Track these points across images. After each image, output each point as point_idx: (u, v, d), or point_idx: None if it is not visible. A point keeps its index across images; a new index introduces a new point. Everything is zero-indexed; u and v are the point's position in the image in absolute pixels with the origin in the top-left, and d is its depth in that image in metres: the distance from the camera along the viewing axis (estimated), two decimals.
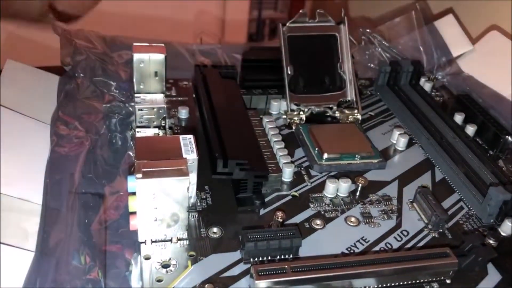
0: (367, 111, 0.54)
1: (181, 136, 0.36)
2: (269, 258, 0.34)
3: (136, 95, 0.44)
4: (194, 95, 0.51)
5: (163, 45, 0.44)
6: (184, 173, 0.32)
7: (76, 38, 0.53)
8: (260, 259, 0.34)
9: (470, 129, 0.50)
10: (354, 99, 0.51)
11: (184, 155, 0.34)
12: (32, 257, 0.32)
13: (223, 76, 0.50)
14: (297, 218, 0.38)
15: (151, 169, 0.32)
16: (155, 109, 0.43)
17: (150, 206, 0.32)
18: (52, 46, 0.55)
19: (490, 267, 0.35)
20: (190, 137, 0.36)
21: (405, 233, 0.38)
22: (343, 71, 0.51)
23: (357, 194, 0.41)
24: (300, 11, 0.49)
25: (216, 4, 1.05)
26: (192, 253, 0.34)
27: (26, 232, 0.34)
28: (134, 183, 0.31)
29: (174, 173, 0.32)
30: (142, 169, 0.32)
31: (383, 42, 0.63)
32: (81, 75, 0.48)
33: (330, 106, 0.50)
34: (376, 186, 0.42)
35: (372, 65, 0.61)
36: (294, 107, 0.50)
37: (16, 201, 0.36)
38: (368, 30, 0.64)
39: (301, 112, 0.49)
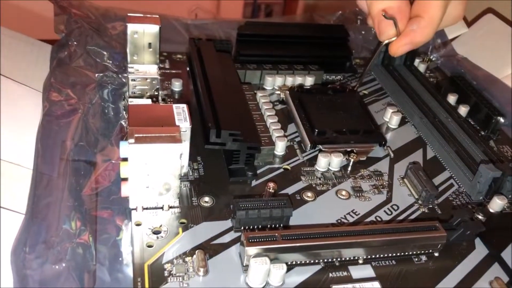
0: (361, 90, 0.54)
1: (174, 105, 0.36)
2: (260, 227, 0.34)
3: (129, 65, 0.44)
4: (188, 68, 0.51)
5: (157, 16, 0.44)
6: (177, 140, 0.32)
7: (70, 7, 0.52)
8: (251, 228, 0.34)
9: (463, 110, 0.50)
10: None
11: (177, 123, 0.34)
12: (22, 219, 0.31)
13: (217, 50, 0.50)
14: (289, 190, 0.38)
15: (143, 135, 0.32)
16: (148, 80, 0.43)
17: (142, 173, 0.32)
18: (47, 17, 0.54)
19: (478, 242, 0.36)
20: (184, 106, 0.36)
21: (395, 207, 0.38)
22: None
23: (349, 169, 0.42)
24: None
25: None
26: (183, 220, 0.34)
27: (16, 195, 0.33)
28: (126, 148, 0.31)
29: (167, 140, 0.32)
30: (135, 135, 0.31)
31: None
32: (75, 43, 0.48)
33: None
34: (368, 162, 0.43)
35: (367, 44, 0.61)
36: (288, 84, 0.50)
37: (7, 164, 0.35)
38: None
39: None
